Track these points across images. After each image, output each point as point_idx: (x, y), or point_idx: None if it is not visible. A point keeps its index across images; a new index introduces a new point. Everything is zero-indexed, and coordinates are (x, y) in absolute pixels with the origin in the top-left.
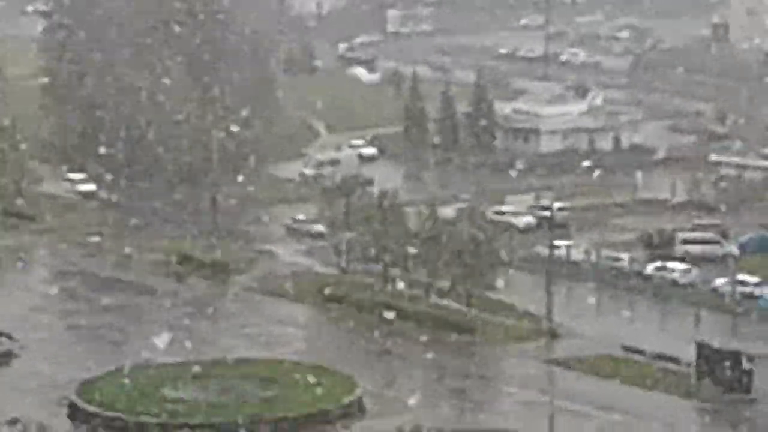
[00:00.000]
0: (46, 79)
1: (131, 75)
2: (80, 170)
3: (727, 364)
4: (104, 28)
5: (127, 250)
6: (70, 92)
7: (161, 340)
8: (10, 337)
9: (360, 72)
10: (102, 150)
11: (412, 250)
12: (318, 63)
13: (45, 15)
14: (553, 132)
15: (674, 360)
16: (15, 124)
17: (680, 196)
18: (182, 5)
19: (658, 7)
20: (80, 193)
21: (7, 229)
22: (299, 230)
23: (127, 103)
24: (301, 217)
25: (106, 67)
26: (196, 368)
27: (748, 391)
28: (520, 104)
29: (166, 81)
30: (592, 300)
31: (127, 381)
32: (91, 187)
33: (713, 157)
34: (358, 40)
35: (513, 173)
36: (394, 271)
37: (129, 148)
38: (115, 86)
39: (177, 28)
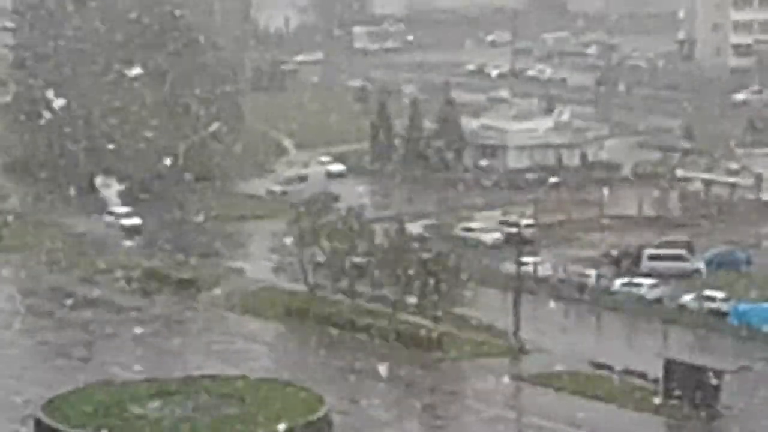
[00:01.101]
0: (9, 97)
1: (97, 92)
2: (125, 205)
3: (695, 379)
4: (70, 44)
5: (93, 266)
6: (35, 108)
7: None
8: None
9: None
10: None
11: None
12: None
13: (11, 31)
14: (520, 148)
15: (642, 376)
16: None
17: (647, 212)
18: (149, 21)
19: (625, 23)
20: (124, 228)
21: None
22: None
23: (92, 119)
24: None
25: (72, 83)
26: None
27: (715, 406)
28: (487, 120)
29: (132, 97)
30: (559, 316)
31: (92, 398)
32: (136, 221)
33: (680, 173)
34: (298, 57)
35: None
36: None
37: (94, 164)
38: (81, 102)
39: (143, 44)
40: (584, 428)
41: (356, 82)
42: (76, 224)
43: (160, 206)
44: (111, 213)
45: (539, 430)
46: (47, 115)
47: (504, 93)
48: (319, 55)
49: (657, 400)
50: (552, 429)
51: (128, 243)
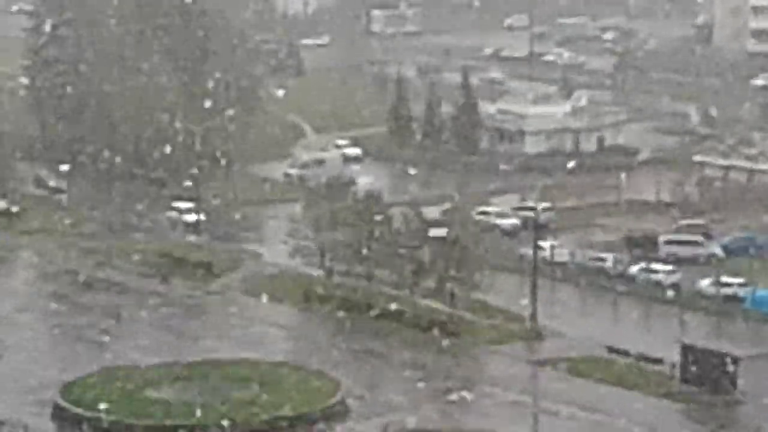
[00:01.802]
0: (26, 80)
1: (115, 75)
2: (186, 198)
3: (711, 365)
4: (89, 28)
5: (111, 250)
6: (53, 92)
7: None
8: None
9: None
10: (84, 149)
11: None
12: None
13: (30, 14)
14: (537, 133)
15: (658, 361)
16: None
17: (664, 197)
18: (167, 5)
19: (643, 8)
20: (187, 225)
21: None
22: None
23: (111, 103)
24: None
25: (91, 67)
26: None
27: (732, 392)
28: (504, 105)
29: (151, 81)
30: (576, 301)
31: (110, 382)
32: (198, 217)
33: (697, 158)
34: (304, 41)
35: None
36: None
37: (113, 147)
38: (99, 86)
39: (162, 28)
40: (601, 413)
41: (372, 67)
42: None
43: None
44: (174, 208)
45: (556, 414)
46: (65, 99)
47: (496, 74)
48: (326, 39)
49: (674, 385)
50: (569, 414)
51: (192, 237)
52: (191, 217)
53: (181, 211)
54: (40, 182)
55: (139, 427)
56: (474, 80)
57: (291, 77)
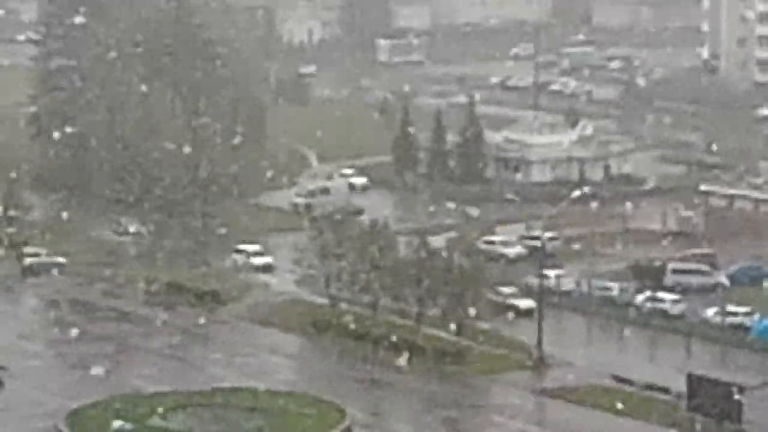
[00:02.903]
0: (34, 108)
1: (121, 104)
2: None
3: (718, 394)
4: (95, 56)
5: (117, 278)
6: (58, 120)
7: None
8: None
9: None
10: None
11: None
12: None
13: (36, 43)
14: (543, 162)
15: (664, 390)
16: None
17: (670, 226)
18: (174, 34)
19: (650, 37)
20: (256, 268)
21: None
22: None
23: (115, 131)
24: None
25: (96, 95)
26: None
27: (738, 421)
28: (510, 133)
29: (156, 110)
30: (582, 330)
31: (115, 410)
32: (267, 260)
33: (703, 187)
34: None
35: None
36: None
37: (117, 176)
38: (104, 115)
39: (168, 57)
40: None
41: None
42: (99, 236)
43: (183, 218)
44: (239, 251)
45: None
46: (71, 126)
47: (462, 99)
48: (312, 69)
49: (680, 415)
50: None
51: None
52: (260, 260)
53: (248, 254)
54: (119, 228)
55: None
56: (442, 104)
57: (296, 105)
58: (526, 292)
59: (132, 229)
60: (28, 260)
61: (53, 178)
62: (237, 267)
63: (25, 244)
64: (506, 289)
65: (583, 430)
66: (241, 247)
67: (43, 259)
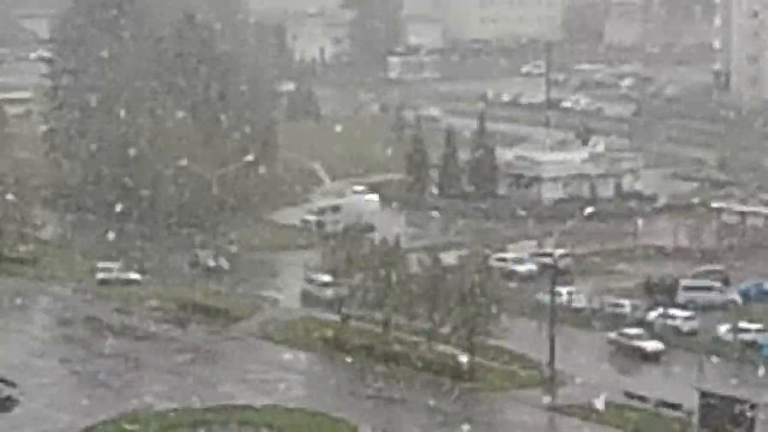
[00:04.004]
0: (46, 126)
1: (133, 121)
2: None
3: (730, 411)
4: (107, 73)
5: (128, 295)
6: (70, 138)
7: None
8: (10, 384)
9: None
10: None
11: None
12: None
13: (48, 61)
14: (554, 179)
15: (676, 407)
16: (17, 169)
17: (682, 243)
18: (186, 51)
19: (660, 54)
20: (326, 299)
21: (8, 274)
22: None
23: (128, 149)
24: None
25: (108, 112)
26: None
27: None
28: (521, 151)
29: (169, 127)
30: (594, 346)
31: (127, 428)
32: (341, 291)
33: (715, 204)
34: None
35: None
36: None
37: (130, 193)
38: (117, 132)
39: (179, 74)
40: None
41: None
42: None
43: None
44: (311, 281)
45: None
46: (83, 144)
47: (435, 112)
48: (291, 86)
49: None
50: None
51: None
52: (330, 292)
53: (318, 285)
54: (196, 262)
55: None
56: (410, 116)
57: (308, 122)
58: (654, 334)
59: (211, 263)
60: (101, 275)
61: (67, 195)
62: (306, 296)
63: (35, 261)
64: (632, 331)
65: None
66: (312, 276)
67: (117, 274)
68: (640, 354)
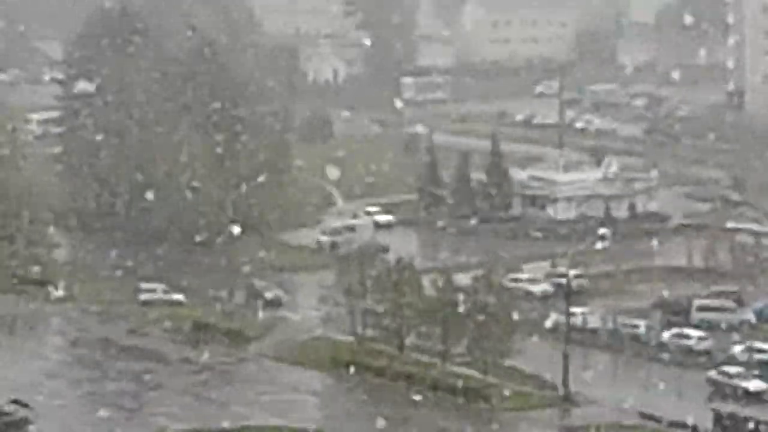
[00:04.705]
0: (59, 147)
1: (147, 142)
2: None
3: (744, 430)
4: (120, 95)
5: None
6: (84, 159)
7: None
8: (24, 405)
9: None
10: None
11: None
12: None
13: (61, 83)
14: (568, 199)
15: (692, 428)
16: (30, 190)
17: (696, 263)
18: (200, 72)
19: (674, 74)
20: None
21: (21, 295)
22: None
23: (142, 170)
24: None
25: (122, 134)
26: None
27: None
28: (535, 171)
29: (182, 148)
30: (608, 367)
31: None
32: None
33: (729, 224)
34: None
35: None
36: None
37: (143, 214)
38: (131, 153)
39: (193, 95)
40: None
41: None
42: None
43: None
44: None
45: None
46: (95, 165)
47: (420, 129)
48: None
49: None
50: None
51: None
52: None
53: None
54: (253, 293)
55: None
56: (394, 133)
57: (321, 143)
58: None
59: (269, 295)
60: (145, 296)
61: (79, 216)
62: None
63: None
64: (734, 369)
65: None
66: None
67: (161, 295)
68: (745, 392)
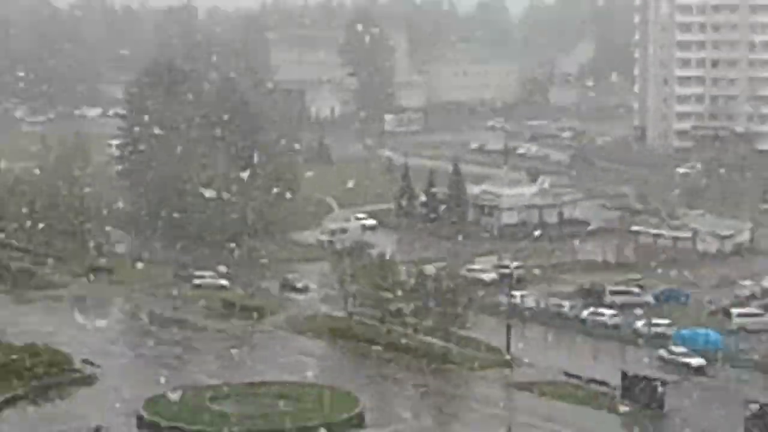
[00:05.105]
0: (121, 166)
1: (187, 162)
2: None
3: (645, 387)
4: (167, 127)
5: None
6: (139, 176)
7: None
8: (92, 364)
9: None
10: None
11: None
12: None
13: (122, 117)
14: (511, 208)
15: (604, 384)
16: (98, 200)
17: (609, 258)
18: (226, 109)
19: (592, 113)
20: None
21: (90, 280)
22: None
23: (183, 184)
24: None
25: (167, 157)
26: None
27: (660, 408)
28: (486, 187)
29: (214, 168)
30: (541, 337)
31: (183, 398)
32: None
33: (634, 228)
34: None
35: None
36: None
37: (184, 218)
38: (173, 172)
39: (222, 127)
40: (559, 424)
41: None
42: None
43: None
44: (671, 352)
45: (524, 425)
46: (148, 180)
47: (390, 153)
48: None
49: (616, 403)
50: (533, 425)
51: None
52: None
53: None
54: (286, 283)
55: None
56: (378, 157)
57: (321, 164)
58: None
59: (299, 285)
60: (197, 281)
61: (135, 220)
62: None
63: (110, 271)
64: (679, 349)
65: (541, 415)
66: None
67: (210, 280)
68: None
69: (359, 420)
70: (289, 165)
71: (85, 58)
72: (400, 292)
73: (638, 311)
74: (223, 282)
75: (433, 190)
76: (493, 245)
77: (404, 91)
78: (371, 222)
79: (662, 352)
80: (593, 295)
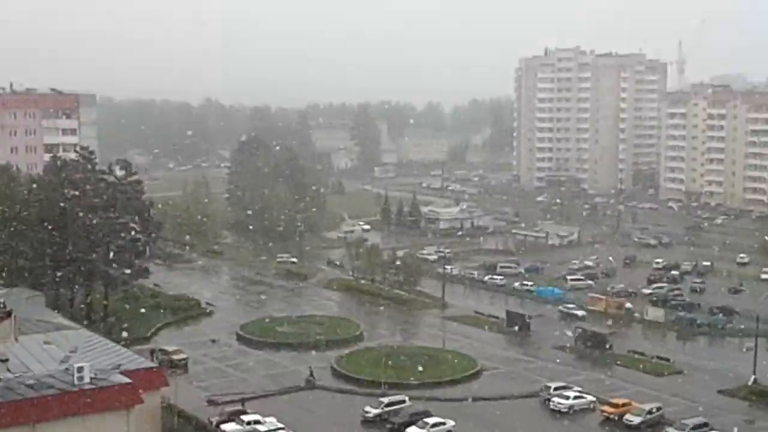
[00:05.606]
0: (227, 195)
1: (262, 190)
2: None
3: (519, 318)
4: (254, 172)
5: (263, 266)
6: (238, 199)
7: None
8: (211, 305)
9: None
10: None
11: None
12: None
13: (229, 168)
14: (446, 220)
15: (495, 317)
16: (214, 213)
17: (499, 248)
18: (285, 162)
19: (490, 166)
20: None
21: (210, 258)
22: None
23: (260, 203)
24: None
25: (259, 187)
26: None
27: (528, 331)
28: (431, 207)
29: (278, 194)
30: (461, 291)
31: (263, 324)
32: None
33: (514, 231)
34: None
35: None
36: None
37: (262, 223)
38: (257, 196)
39: (281, 173)
40: (470, 339)
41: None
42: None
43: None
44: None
45: (452, 339)
46: (243, 201)
47: (368, 186)
48: (318, 178)
49: (502, 328)
50: (457, 339)
51: None
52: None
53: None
54: (329, 260)
55: (275, 343)
56: (371, 192)
57: (338, 194)
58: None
59: (338, 262)
60: (280, 260)
61: (235, 225)
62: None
63: (221, 253)
64: (570, 305)
65: (462, 333)
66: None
67: (287, 258)
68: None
69: (360, 337)
70: (320, 194)
71: (207, 136)
72: (382, 265)
73: (515, 277)
74: (294, 260)
75: (404, 209)
76: (434, 240)
77: (385, 154)
78: (367, 227)
79: (561, 307)
80: (490, 268)
